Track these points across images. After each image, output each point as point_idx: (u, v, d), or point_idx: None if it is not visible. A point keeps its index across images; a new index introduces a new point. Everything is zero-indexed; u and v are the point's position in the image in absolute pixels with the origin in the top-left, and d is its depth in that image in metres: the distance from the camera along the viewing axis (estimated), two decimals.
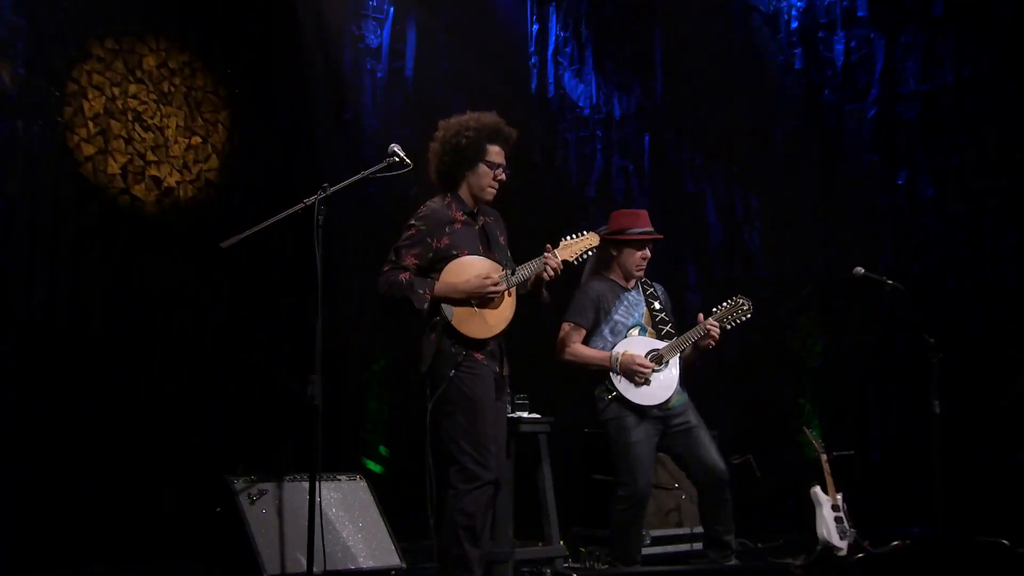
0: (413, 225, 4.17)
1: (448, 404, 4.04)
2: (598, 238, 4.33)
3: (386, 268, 4.13)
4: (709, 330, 4.78)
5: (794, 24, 7.49)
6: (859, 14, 7.19)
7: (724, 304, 4.87)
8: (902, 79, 6.98)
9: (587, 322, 4.92)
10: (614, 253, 4.98)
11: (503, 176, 4.27)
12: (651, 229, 5.01)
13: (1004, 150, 6.54)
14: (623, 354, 4.78)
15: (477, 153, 4.21)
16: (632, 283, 5.01)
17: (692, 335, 4.81)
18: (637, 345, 4.84)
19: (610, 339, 4.88)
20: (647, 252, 4.98)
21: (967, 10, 6.74)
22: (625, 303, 4.95)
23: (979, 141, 6.66)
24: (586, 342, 4.91)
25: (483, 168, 4.22)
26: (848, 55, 7.21)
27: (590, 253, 4.30)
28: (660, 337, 4.89)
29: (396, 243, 4.17)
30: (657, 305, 4.98)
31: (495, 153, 4.25)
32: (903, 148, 6.99)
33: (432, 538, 4.09)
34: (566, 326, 4.94)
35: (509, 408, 5.29)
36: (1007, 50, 6.54)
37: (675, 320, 5.02)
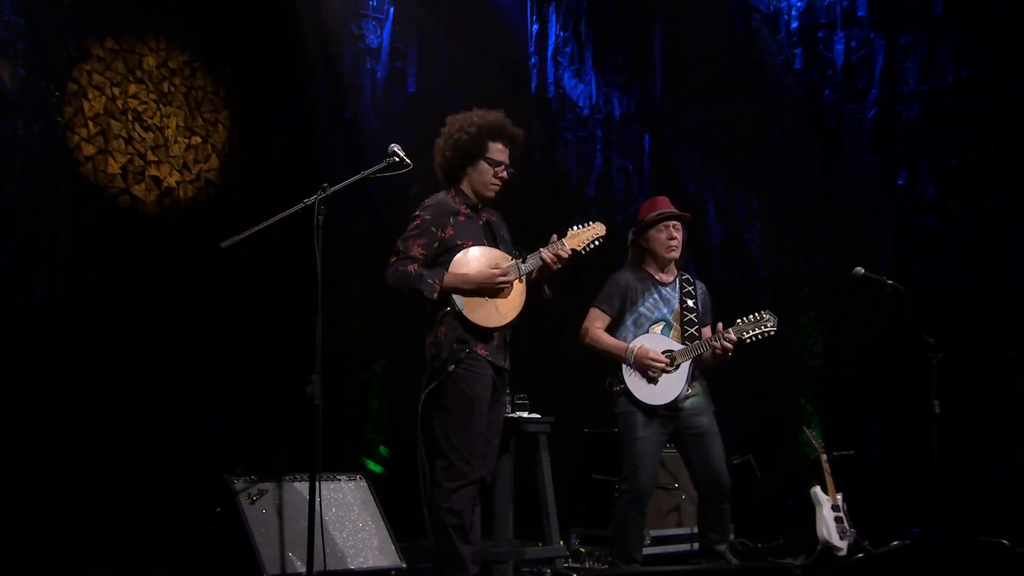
0: (419, 215, 4.14)
1: (444, 399, 4.03)
2: (604, 228, 4.29)
3: (393, 260, 4.08)
4: (723, 342, 4.72)
5: (794, 24, 7.48)
6: (859, 14, 7.18)
7: (748, 317, 4.77)
8: (902, 79, 6.97)
9: (612, 309, 4.88)
10: (643, 244, 4.95)
11: (505, 174, 4.24)
12: (673, 210, 4.95)
13: (1004, 150, 6.53)
14: (639, 348, 4.76)
15: (478, 149, 4.19)
16: (670, 277, 4.97)
17: (707, 343, 4.77)
18: (654, 342, 4.82)
19: (632, 330, 4.86)
20: (672, 232, 4.91)
21: (967, 10, 6.73)
22: (655, 296, 4.91)
23: (979, 141, 6.65)
24: (611, 330, 4.88)
25: (484, 165, 4.21)
26: (848, 55, 7.20)
27: (598, 242, 4.26)
28: (685, 337, 4.85)
29: (402, 235, 4.13)
30: (690, 303, 4.92)
31: (497, 151, 4.23)
32: (903, 148, 6.97)
33: (428, 533, 4.08)
34: (593, 311, 4.92)
35: (509, 407, 5.29)
36: (1007, 50, 6.54)
37: (709, 321, 4.92)
